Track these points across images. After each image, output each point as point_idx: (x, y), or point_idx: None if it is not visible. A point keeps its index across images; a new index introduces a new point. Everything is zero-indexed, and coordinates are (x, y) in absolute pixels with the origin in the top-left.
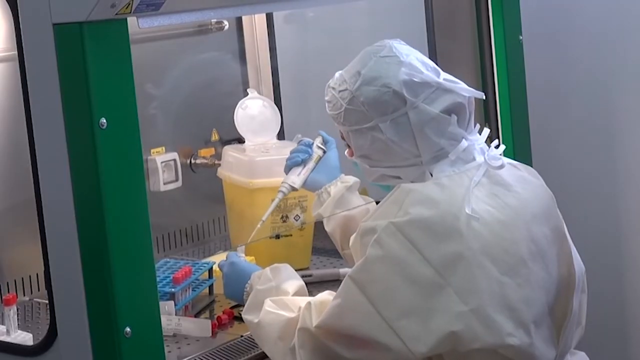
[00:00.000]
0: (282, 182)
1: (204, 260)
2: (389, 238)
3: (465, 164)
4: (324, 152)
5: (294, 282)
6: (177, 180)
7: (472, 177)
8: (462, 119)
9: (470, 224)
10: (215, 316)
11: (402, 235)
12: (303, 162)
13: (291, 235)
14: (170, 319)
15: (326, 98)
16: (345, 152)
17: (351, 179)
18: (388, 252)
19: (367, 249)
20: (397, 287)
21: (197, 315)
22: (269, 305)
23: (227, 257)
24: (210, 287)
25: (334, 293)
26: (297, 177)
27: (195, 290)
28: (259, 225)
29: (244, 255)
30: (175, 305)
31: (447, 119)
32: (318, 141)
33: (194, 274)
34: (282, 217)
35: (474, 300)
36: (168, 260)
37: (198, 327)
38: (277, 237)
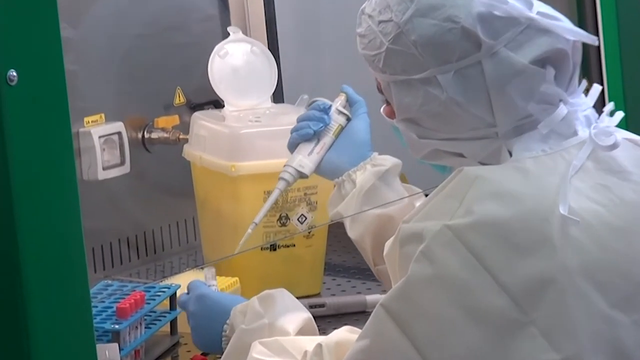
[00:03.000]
0: (284, 166)
1: (163, 283)
2: (444, 249)
3: (563, 141)
4: (348, 119)
5: (296, 316)
6: (122, 163)
7: (571, 160)
8: (563, 74)
9: (566, 231)
10: None
11: (464, 246)
12: (316, 135)
13: (294, 245)
14: None
15: (358, 30)
16: (382, 110)
17: (388, 160)
18: (441, 270)
19: (409, 264)
20: (455, 324)
21: None
22: (258, 350)
23: (189, 290)
24: (173, 323)
25: (358, 330)
26: (306, 158)
27: (150, 328)
28: (249, 230)
29: (215, 282)
30: (120, 349)
31: (541, 72)
32: (339, 103)
33: (149, 303)
34: (280, 219)
35: (569, 345)
36: (110, 282)
37: None
38: (273, 248)
